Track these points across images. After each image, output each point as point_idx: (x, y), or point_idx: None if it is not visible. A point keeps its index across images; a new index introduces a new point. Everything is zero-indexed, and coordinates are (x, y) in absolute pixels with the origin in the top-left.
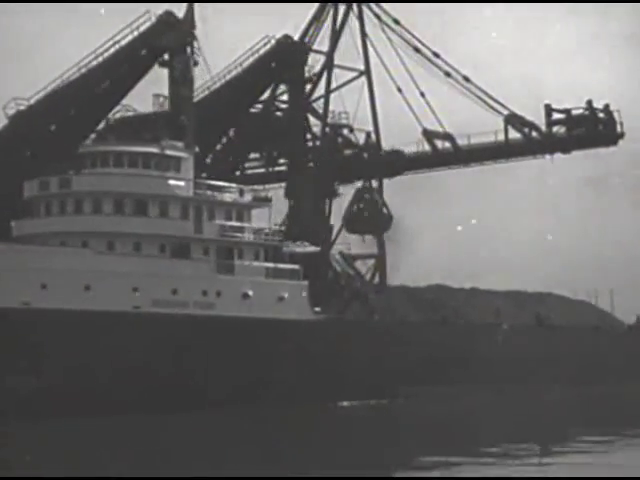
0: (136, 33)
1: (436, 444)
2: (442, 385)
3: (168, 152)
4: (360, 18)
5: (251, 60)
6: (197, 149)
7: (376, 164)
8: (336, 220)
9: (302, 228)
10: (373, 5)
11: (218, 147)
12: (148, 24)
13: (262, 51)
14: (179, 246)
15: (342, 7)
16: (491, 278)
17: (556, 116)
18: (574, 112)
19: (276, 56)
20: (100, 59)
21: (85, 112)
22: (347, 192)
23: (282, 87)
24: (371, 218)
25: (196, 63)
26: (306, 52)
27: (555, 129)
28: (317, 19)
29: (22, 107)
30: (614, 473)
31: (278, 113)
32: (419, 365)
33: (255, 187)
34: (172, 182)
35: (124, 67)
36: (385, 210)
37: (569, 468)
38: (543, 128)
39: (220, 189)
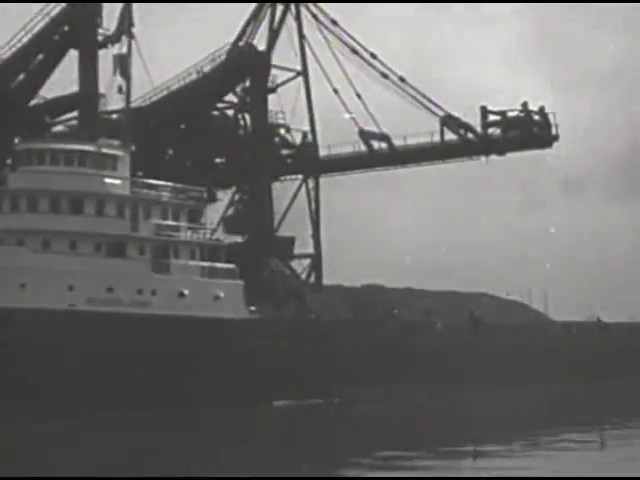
0: (47, 19)
1: (366, 444)
2: (378, 385)
3: (104, 150)
4: (298, 18)
5: (212, 65)
6: (134, 147)
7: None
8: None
9: (268, 238)
10: (311, 5)
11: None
12: (59, 9)
13: (223, 57)
14: (115, 245)
15: (280, 7)
16: (426, 278)
17: (492, 118)
18: (510, 114)
19: (238, 64)
20: (14, 49)
21: (4, 108)
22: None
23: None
24: (249, 218)
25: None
26: (269, 62)
27: (491, 131)
28: (255, 18)
29: None
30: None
31: (215, 112)
32: (355, 365)
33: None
34: (108, 180)
35: (39, 56)
36: (267, 209)
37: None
38: (479, 130)
39: (157, 188)
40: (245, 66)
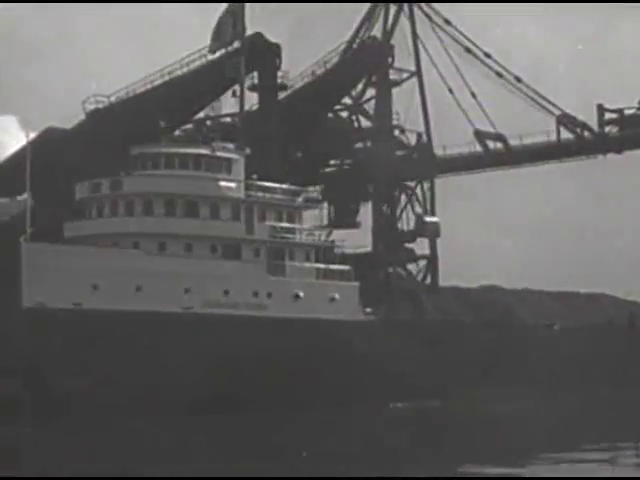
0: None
1: (478, 448)
2: (494, 387)
3: (219, 153)
4: (411, 18)
5: (335, 60)
6: (248, 150)
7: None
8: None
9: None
10: (424, 5)
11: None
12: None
13: (347, 52)
14: (230, 247)
15: (393, 7)
16: (541, 278)
17: (608, 116)
18: (626, 112)
19: (363, 56)
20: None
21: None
22: None
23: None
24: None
25: None
26: (392, 54)
27: (607, 129)
28: (368, 20)
29: (101, 105)
30: None
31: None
32: (470, 366)
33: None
34: (223, 183)
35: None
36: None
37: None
38: (595, 128)
39: (271, 190)
40: (371, 58)
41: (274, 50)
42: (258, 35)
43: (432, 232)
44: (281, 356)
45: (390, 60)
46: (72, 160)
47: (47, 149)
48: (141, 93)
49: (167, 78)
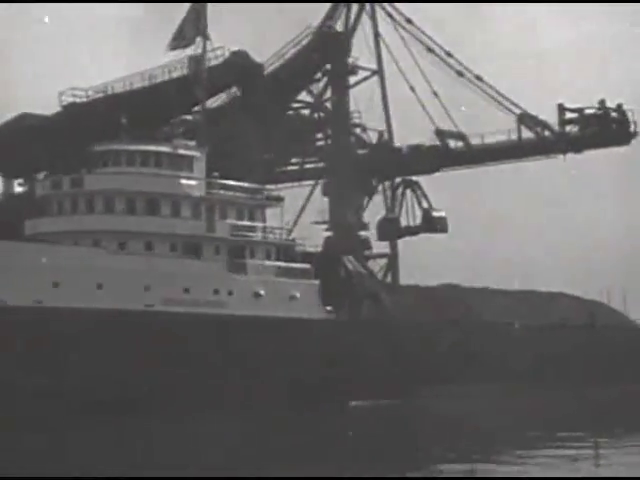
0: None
1: (442, 445)
2: (456, 385)
3: (180, 151)
4: (373, 17)
5: (294, 51)
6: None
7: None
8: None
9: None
10: (386, 4)
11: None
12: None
13: (304, 42)
14: (191, 245)
15: (355, 7)
16: (501, 277)
17: (569, 115)
18: (587, 111)
19: (319, 46)
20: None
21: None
22: None
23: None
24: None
25: None
26: (349, 43)
27: (568, 128)
28: (330, 18)
29: (78, 99)
30: None
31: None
32: (432, 365)
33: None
34: (184, 181)
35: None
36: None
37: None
38: (556, 127)
39: (232, 188)
40: (326, 47)
41: (257, 70)
42: (242, 53)
43: (441, 226)
44: (240, 354)
45: (346, 48)
46: (44, 148)
47: (20, 134)
48: (119, 94)
49: (146, 83)
